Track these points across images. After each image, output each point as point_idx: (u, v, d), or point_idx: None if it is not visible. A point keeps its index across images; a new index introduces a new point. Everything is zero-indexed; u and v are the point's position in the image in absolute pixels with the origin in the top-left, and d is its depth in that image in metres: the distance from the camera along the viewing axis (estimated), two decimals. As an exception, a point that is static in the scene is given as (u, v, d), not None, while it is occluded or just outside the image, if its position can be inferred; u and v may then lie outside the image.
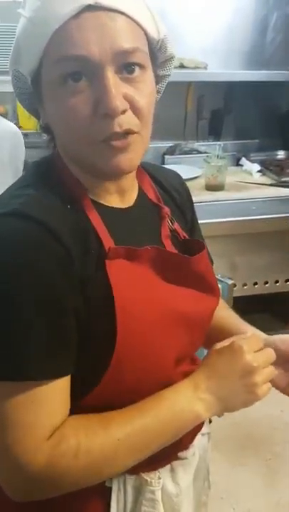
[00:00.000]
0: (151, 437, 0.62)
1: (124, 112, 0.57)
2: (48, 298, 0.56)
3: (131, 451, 0.61)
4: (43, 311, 0.55)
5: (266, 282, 2.01)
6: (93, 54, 0.54)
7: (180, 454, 0.73)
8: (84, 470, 0.59)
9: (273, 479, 1.66)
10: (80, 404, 0.61)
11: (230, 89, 2.35)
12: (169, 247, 0.72)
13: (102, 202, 0.66)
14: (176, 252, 0.72)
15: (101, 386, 0.61)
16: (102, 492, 0.68)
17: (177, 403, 0.64)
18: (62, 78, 0.56)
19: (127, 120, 0.57)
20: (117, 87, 0.56)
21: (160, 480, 0.70)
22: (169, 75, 0.69)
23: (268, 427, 1.83)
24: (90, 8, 0.54)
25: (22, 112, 1.87)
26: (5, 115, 1.98)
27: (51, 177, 0.64)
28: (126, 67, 0.57)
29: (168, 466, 0.72)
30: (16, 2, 1.98)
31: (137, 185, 0.72)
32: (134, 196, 0.71)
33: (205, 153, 2.21)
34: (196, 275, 0.71)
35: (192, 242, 0.76)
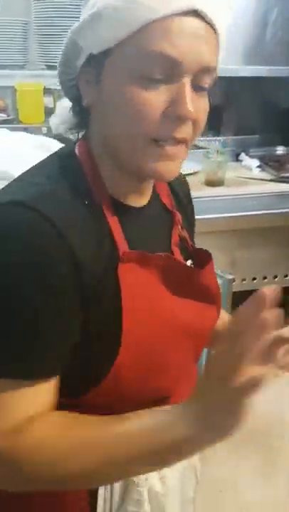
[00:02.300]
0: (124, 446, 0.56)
1: (190, 120, 0.58)
2: (47, 301, 0.55)
3: (90, 454, 0.56)
4: (41, 311, 0.55)
5: (265, 277, 2.02)
6: (182, 58, 0.54)
7: None
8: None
9: (272, 472, 1.67)
10: (78, 402, 0.61)
11: (230, 84, 2.35)
12: (178, 255, 0.72)
13: (120, 200, 0.65)
14: (183, 260, 0.72)
15: (100, 388, 0.60)
16: (89, 490, 0.68)
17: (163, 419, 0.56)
18: (142, 71, 0.55)
19: (186, 130, 0.58)
20: (191, 96, 0.56)
21: (147, 481, 0.70)
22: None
23: (266, 420, 1.84)
24: (194, 13, 0.53)
25: (22, 106, 1.87)
26: (4, 109, 1.98)
27: (73, 170, 0.63)
28: (200, 82, 0.57)
29: None
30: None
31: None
32: (149, 196, 0.70)
33: (204, 148, 2.21)
34: (202, 287, 0.71)
35: (199, 252, 0.75)
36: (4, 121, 1.91)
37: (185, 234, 0.75)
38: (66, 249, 0.55)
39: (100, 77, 0.58)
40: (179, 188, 0.80)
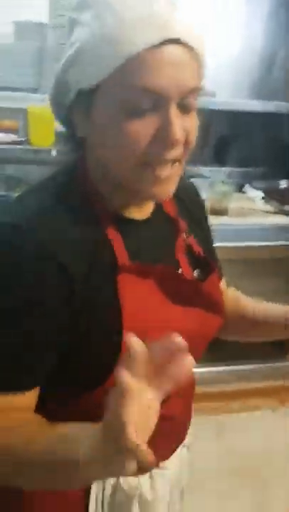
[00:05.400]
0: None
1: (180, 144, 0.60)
2: (36, 316, 0.58)
3: None
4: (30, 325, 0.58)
5: (264, 309, 2.02)
6: (165, 88, 0.56)
7: (161, 464, 0.74)
8: None
9: (261, 506, 1.64)
10: (71, 407, 0.63)
11: (237, 117, 2.39)
12: (184, 262, 0.73)
13: (122, 213, 0.67)
14: (189, 269, 0.73)
15: (97, 393, 0.61)
16: (81, 495, 0.70)
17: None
18: (127, 104, 0.57)
19: (177, 151, 0.61)
20: (178, 121, 0.58)
21: (138, 491, 0.71)
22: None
23: (255, 459, 1.81)
24: (171, 41, 0.55)
25: (33, 128, 1.91)
26: (16, 131, 2.01)
27: (71, 187, 0.66)
28: (187, 101, 0.59)
29: (147, 474, 0.72)
30: (34, 23, 2.03)
31: None
32: (151, 207, 0.72)
33: (209, 178, 2.24)
34: (204, 297, 0.72)
35: (206, 260, 0.76)
36: (15, 143, 1.95)
37: (191, 241, 0.76)
38: (55, 267, 0.58)
39: (90, 110, 0.61)
40: (184, 195, 0.81)
